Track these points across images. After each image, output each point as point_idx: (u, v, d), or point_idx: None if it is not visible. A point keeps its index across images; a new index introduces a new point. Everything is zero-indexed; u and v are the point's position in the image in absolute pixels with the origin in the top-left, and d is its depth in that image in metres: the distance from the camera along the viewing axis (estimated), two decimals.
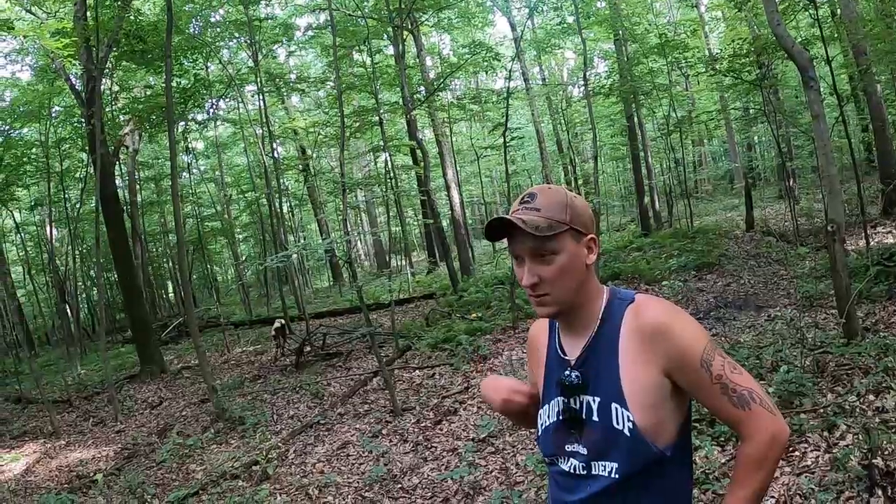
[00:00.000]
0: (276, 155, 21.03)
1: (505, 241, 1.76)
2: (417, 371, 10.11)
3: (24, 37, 14.99)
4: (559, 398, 1.78)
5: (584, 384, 1.72)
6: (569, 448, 1.74)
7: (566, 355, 1.80)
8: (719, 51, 15.75)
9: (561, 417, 1.77)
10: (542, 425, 1.85)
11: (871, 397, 5.13)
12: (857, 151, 14.35)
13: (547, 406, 1.83)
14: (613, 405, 1.65)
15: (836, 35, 13.14)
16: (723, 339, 7.59)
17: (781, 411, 5.25)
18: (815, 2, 11.51)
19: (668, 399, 1.64)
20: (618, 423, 1.63)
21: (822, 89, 9.31)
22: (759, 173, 30.42)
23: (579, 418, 1.72)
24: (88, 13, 13.74)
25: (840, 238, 6.57)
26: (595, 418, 1.68)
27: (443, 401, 8.28)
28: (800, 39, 11.38)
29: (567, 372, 1.75)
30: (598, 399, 1.69)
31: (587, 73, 16.95)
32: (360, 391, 9.75)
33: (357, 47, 19.70)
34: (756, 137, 29.75)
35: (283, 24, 20.85)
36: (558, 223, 1.68)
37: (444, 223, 21.00)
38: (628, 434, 1.61)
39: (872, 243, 10.55)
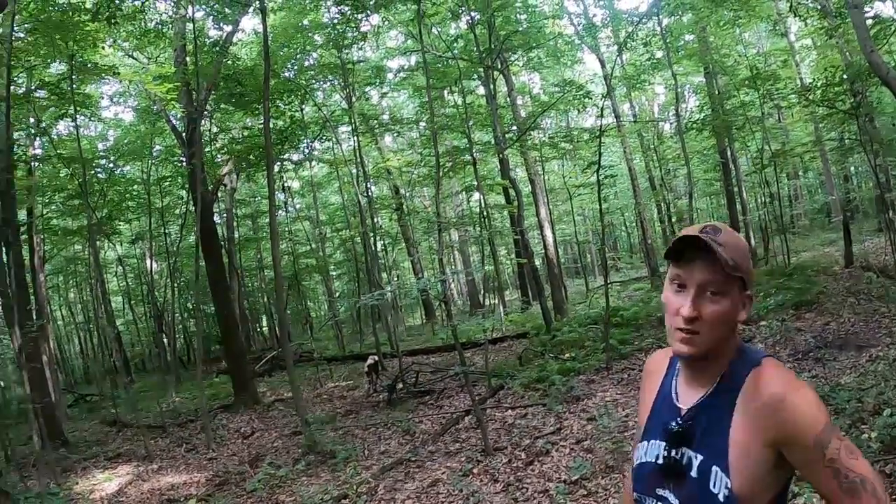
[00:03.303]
0: (369, 194, 21.38)
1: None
2: (510, 410, 10.00)
3: (130, 81, 15.77)
4: (661, 442, 1.72)
5: (690, 438, 1.66)
6: (659, 492, 1.69)
7: (679, 402, 1.74)
8: (812, 81, 15.22)
9: (659, 462, 1.71)
10: (637, 459, 1.80)
11: None
12: None
13: (646, 443, 1.78)
14: (714, 467, 1.58)
15: None
16: (822, 380, 7.25)
17: (884, 457, 5.00)
18: None
19: (770, 472, 1.56)
20: (714, 487, 1.57)
21: None
22: (857, 206, 29.22)
23: (679, 470, 1.66)
24: (188, 59, 14.34)
25: None
26: (693, 474, 1.62)
27: (535, 441, 8.13)
28: (893, 65, 10.94)
29: (676, 421, 1.69)
30: (700, 457, 1.62)
31: (679, 108, 16.71)
32: (451, 429, 9.69)
33: (448, 88, 19.95)
34: (852, 168, 28.65)
35: (376, 67, 21.31)
36: (738, 267, 1.61)
37: (538, 262, 20.88)
38: (722, 500, 1.55)
39: None
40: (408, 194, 27.42)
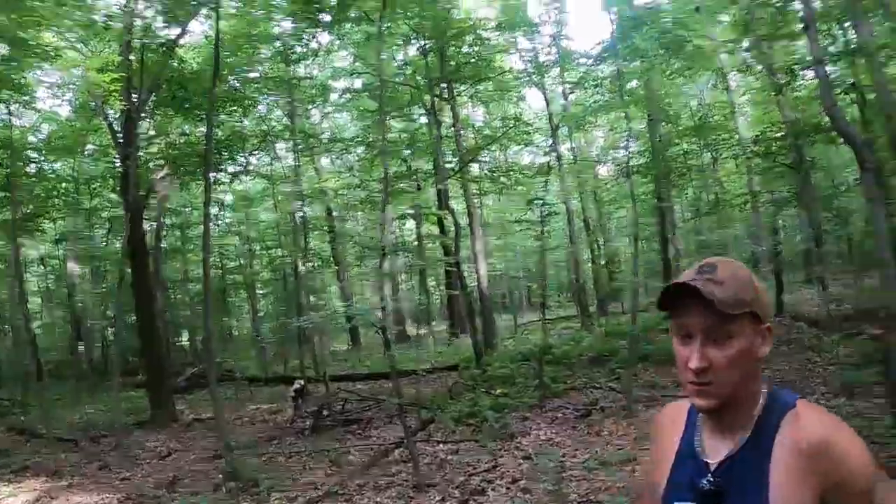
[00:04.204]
0: (304, 214, 21.02)
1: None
2: (441, 445, 9.75)
3: (74, 67, 15.17)
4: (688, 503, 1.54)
5: (723, 495, 1.49)
6: None
7: (706, 457, 1.56)
8: (757, 134, 15.72)
9: None
10: None
11: None
12: None
13: None
14: None
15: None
16: None
17: None
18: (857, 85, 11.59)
19: None
20: None
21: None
22: (784, 258, 30.04)
23: None
24: (132, 56, 13.86)
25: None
26: None
27: (469, 478, 7.89)
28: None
29: (707, 478, 1.52)
30: None
31: (627, 151, 16.97)
32: (380, 462, 9.37)
33: (391, 114, 19.85)
34: (780, 221, 29.46)
35: (321, 86, 21.06)
36: (742, 302, 1.46)
37: None
38: None
39: None
40: (341, 217, 27.07)
